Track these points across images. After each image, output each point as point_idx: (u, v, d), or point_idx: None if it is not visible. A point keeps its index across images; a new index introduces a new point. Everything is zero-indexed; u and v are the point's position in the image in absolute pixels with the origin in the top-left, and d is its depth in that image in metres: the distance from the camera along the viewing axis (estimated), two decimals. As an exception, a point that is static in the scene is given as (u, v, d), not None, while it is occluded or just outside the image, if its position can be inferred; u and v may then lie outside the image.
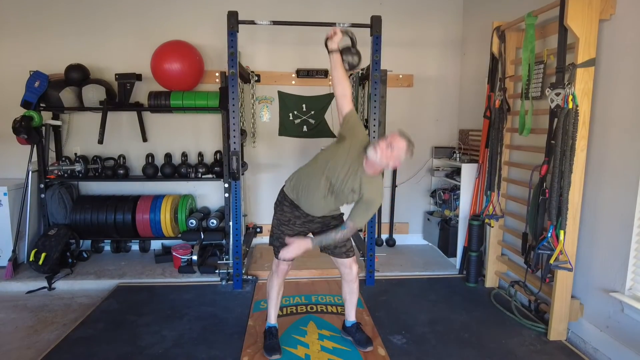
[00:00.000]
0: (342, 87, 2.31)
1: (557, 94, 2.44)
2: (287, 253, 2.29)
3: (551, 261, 2.46)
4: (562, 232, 2.44)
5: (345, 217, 2.41)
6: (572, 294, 2.60)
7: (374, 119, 3.25)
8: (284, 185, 2.46)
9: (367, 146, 2.15)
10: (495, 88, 3.21)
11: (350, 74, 4.16)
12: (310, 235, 2.42)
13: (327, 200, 2.28)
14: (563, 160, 2.39)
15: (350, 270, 2.47)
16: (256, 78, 4.13)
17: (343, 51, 2.40)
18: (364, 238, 3.89)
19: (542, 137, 2.69)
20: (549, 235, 2.48)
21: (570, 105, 2.36)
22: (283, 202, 2.43)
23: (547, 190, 2.51)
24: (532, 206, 2.66)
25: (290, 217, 2.40)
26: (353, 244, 2.56)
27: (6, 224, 3.63)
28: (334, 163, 2.21)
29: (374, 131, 3.25)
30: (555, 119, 2.45)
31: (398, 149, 2.05)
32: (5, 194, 3.61)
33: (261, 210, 4.39)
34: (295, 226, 2.41)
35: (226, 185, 3.86)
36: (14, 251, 3.59)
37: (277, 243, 2.42)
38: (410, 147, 2.10)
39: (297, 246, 2.27)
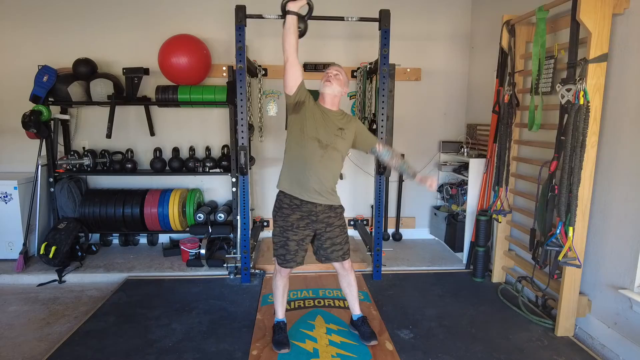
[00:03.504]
0: (292, 54, 2.34)
1: (568, 90, 2.41)
2: (433, 185, 2.46)
3: (560, 258, 2.46)
4: (571, 228, 2.43)
5: (345, 216, 2.51)
6: (580, 290, 2.60)
7: (382, 113, 3.24)
8: (278, 190, 2.45)
9: (316, 92, 2.44)
10: (505, 82, 3.18)
11: (358, 68, 4.15)
12: (319, 231, 2.42)
13: (324, 161, 2.33)
14: (573, 157, 2.37)
15: (341, 264, 2.50)
16: (263, 72, 4.12)
17: (300, 17, 2.44)
18: (371, 232, 3.91)
19: (551, 132, 2.68)
20: (558, 231, 2.47)
21: (582, 101, 2.33)
22: (282, 206, 2.40)
23: (556, 187, 2.50)
24: (541, 202, 2.65)
25: (293, 220, 2.36)
26: (350, 246, 2.56)
27: (17, 217, 3.68)
28: (310, 123, 2.33)
29: (382, 126, 3.24)
30: (566, 115, 2.43)
31: (339, 71, 2.41)
32: (15, 188, 3.66)
33: (268, 204, 4.40)
34: (300, 229, 2.37)
35: (234, 179, 3.87)
36: (24, 244, 3.64)
37: (283, 250, 2.39)
38: (340, 67, 2.46)
39: (429, 178, 2.46)
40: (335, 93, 2.39)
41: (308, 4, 2.47)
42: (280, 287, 2.50)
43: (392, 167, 2.63)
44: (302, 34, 2.55)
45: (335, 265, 2.51)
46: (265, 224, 4.38)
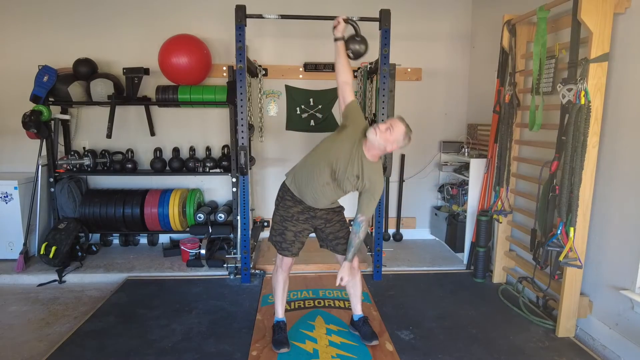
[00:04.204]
0: (344, 75, 2.33)
1: (569, 90, 2.40)
2: (343, 281, 2.34)
3: (560, 258, 2.45)
4: (572, 229, 2.42)
5: (345, 216, 2.48)
6: (581, 291, 2.59)
7: (383, 113, 3.23)
8: (285, 180, 2.46)
9: (367, 129, 2.20)
10: (505, 82, 3.17)
11: (358, 68, 4.14)
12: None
13: (329, 188, 2.29)
14: (574, 157, 2.37)
15: (350, 264, 2.47)
16: (263, 72, 4.12)
17: (348, 40, 2.40)
18: (371, 233, 3.90)
19: (552, 132, 2.67)
20: (559, 232, 2.46)
21: (583, 101, 2.32)
22: (285, 197, 2.43)
23: (557, 187, 2.49)
24: (542, 202, 2.65)
25: (294, 212, 2.41)
26: None
27: (17, 217, 3.68)
28: (336, 150, 2.24)
29: (382, 126, 3.23)
30: (567, 115, 2.42)
31: (397, 132, 2.13)
32: (15, 188, 3.66)
33: (268, 204, 4.40)
34: (299, 222, 2.42)
35: (234, 179, 3.87)
36: (24, 244, 3.64)
37: (280, 238, 2.43)
38: (409, 133, 2.17)
39: (345, 274, 2.33)
40: (382, 150, 2.21)
41: (352, 24, 2.42)
42: (280, 283, 2.51)
43: (350, 239, 2.40)
44: (357, 54, 2.44)
45: (341, 261, 2.50)
46: (265, 224, 4.38)
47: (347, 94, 2.32)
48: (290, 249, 2.44)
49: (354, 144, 2.22)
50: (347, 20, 2.43)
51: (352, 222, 2.31)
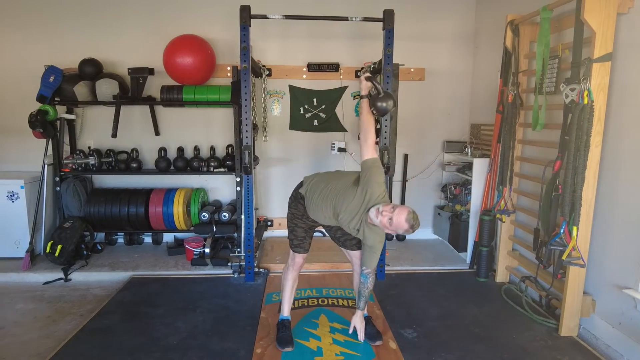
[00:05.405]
0: (363, 133, 2.32)
1: (572, 89, 2.41)
2: (360, 333, 2.50)
3: (563, 257, 2.46)
4: (574, 228, 2.42)
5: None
6: (584, 290, 2.59)
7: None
8: (301, 184, 2.49)
9: (372, 205, 2.16)
10: (509, 82, 3.17)
11: (362, 68, 4.16)
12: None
13: (331, 220, 2.36)
14: (577, 156, 2.37)
15: (360, 262, 2.51)
16: (267, 72, 4.14)
17: (372, 98, 2.37)
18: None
19: (555, 132, 2.67)
20: (562, 231, 2.46)
21: (586, 101, 2.33)
22: (298, 199, 2.47)
23: (560, 186, 2.50)
24: (545, 202, 2.65)
25: (304, 212, 2.46)
26: None
27: (23, 216, 3.71)
28: (344, 200, 2.24)
29: (386, 126, 3.25)
30: (570, 115, 2.42)
31: (396, 226, 2.07)
32: (22, 187, 3.69)
33: (272, 203, 4.42)
34: (309, 220, 2.47)
35: (238, 179, 3.89)
36: (31, 243, 3.67)
37: (292, 235, 2.50)
38: (413, 223, 2.09)
39: (359, 322, 2.52)
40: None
41: (373, 83, 2.37)
42: (290, 281, 2.55)
43: (356, 288, 2.58)
44: (382, 112, 2.38)
45: (354, 261, 2.57)
46: (269, 223, 4.39)
47: (365, 150, 2.27)
48: (302, 246, 2.49)
49: (360, 206, 2.21)
50: (368, 79, 2.38)
51: (361, 272, 2.42)
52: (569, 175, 2.40)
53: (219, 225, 3.89)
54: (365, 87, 2.40)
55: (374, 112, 2.37)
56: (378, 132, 3.27)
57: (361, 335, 2.49)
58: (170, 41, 3.80)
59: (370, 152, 2.27)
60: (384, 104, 2.36)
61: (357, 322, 2.52)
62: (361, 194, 2.20)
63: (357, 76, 4.24)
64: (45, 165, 3.78)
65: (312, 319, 2.78)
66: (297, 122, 4.31)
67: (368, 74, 2.44)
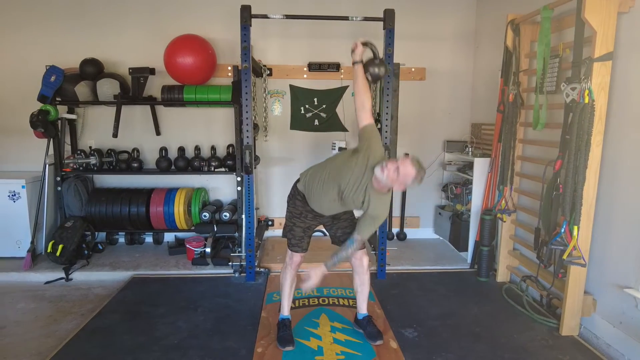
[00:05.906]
0: (360, 99, 2.31)
1: (573, 89, 2.41)
2: (308, 285, 2.28)
3: (564, 257, 2.46)
4: (575, 227, 2.42)
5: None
6: (585, 290, 2.59)
7: (387, 113, 3.25)
8: (298, 181, 2.49)
9: (377, 164, 2.12)
10: (509, 82, 3.17)
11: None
12: (327, 224, 2.51)
13: (335, 204, 2.32)
14: (578, 156, 2.37)
15: (361, 262, 2.52)
16: (268, 72, 4.14)
17: (366, 63, 2.38)
18: (375, 232, 3.91)
19: (556, 131, 2.67)
20: (562, 230, 2.46)
21: (587, 100, 2.33)
22: (296, 196, 2.46)
23: (560, 186, 2.50)
24: (546, 201, 2.65)
25: (302, 210, 2.45)
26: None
27: (24, 216, 3.72)
28: (346, 173, 2.22)
29: (387, 125, 3.25)
30: (571, 114, 2.42)
31: (404, 175, 2.02)
32: (23, 187, 3.70)
33: (273, 203, 4.42)
34: (307, 219, 2.47)
35: (239, 178, 3.89)
36: (32, 242, 3.68)
37: (289, 235, 2.49)
38: (420, 174, 2.06)
39: (315, 277, 2.28)
40: (389, 187, 2.15)
41: (370, 48, 2.39)
42: (288, 280, 2.54)
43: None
44: (376, 77, 2.38)
45: (352, 258, 2.53)
46: (270, 222, 4.39)
47: (363, 116, 2.27)
48: (299, 245, 2.48)
49: (364, 172, 2.17)
50: (365, 44, 2.40)
51: (350, 239, 2.32)
52: (569, 174, 2.40)
53: (219, 225, 3.89)
54: (359, 52, 2.38)
55: (368, 77, 2.38)
56: (379, 132, 3.28)
57: (305, 285, 2.28)
58: (171, 41, 3.80)
59: (368, 117, 2.29)
60: (381, 69, 2.38)
61: (314, 271, 2.29)
62: (363, 159, 2.18)
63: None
64: (47, 165, 3.79)
65: (312, 318, 2.79)
66: (298, 122, 4.31)
67: (365, 39, 2.44)
